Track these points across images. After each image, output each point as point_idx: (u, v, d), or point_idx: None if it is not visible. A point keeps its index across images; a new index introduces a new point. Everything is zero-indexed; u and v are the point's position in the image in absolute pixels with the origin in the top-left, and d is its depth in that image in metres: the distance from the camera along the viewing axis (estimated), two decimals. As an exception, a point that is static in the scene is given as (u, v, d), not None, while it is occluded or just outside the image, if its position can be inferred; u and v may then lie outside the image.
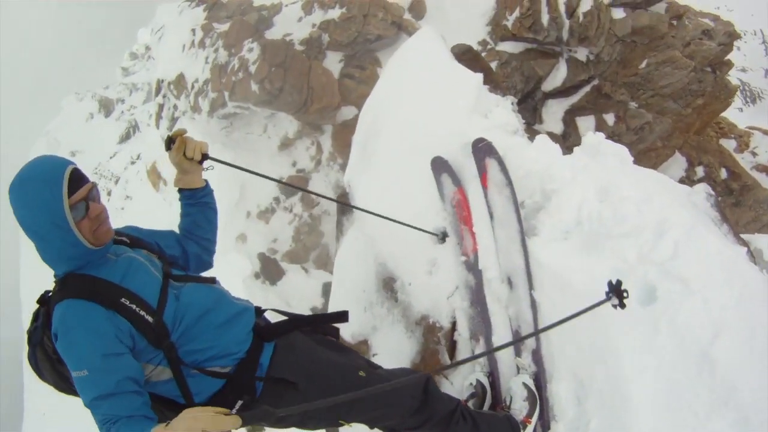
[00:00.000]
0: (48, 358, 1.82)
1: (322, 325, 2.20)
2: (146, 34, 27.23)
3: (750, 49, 18.99)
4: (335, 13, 12.44)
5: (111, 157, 23.40)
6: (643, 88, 10.87)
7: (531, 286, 2.63)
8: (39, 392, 26.44)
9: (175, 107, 14.65)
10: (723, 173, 12.41)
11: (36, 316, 1.88)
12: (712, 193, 2.95)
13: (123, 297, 1.70)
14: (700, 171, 12.43)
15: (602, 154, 2.90)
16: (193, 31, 13.99)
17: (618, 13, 9.63)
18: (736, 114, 17.25)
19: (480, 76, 3.35)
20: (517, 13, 10.10)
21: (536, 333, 2.53)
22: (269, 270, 10.78)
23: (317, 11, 12.85)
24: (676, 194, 2.90)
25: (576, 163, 2.91)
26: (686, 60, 9.91)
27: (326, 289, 11.11)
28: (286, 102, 12.06)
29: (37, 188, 1.60)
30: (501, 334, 2.78)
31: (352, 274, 3.87)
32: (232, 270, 10.30)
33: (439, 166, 3.11)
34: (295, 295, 10.20)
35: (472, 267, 2.91)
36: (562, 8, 9.90)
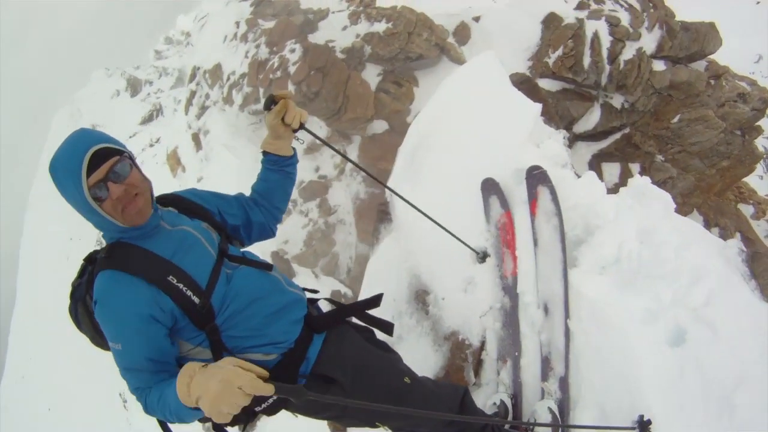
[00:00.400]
0: (88, 313, 1.85)
1: (371, 318, 2.20)
2: (185, 21, 27.89)
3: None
4: (381, 27, 12.72)
5: (130, 137, 23.77)
6: (671, 142, 11.06)
7: (567, 315, 2.78)
8: (22, 355, 26.59)
9: (207, 96, 14.96)
10: (737, 237, 12.55)
11: (82, 272, 1.90)
12: (744, 249, 3.11)
13: (171, 274, 1.67)
14: (715, 232, 12.57)
15: (647, 197, 3.06)
16: (237, 24, 14.33)
17: (659, 66, 9.84)
18: (756, 181, 17.37)
19: (539, 106, 3.56)
20: (560, 52, 10.32)
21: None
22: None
23: (363, 22, 13.15)
24: (711, 245, 3.06)
25: (621, 203, 3.08)
26: (718, 121, 10.10)
27: (334, 297, 11.23)
28: (320, 107, 12.29)
29: (62, 176, 1.60)
30: (530, 358, 2.92)
31: (383, 282, 4.02)
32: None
33: (490, 187, 3.29)
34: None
35: (510, 289, 3.07)
36: (604, 53, 10.12)
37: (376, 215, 4.51)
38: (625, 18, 9.91)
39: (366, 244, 13.51)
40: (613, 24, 9.91)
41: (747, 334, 2.51)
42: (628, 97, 10.54)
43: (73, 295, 1.90)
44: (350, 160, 2.54)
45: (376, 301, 2.16)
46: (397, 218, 4.06)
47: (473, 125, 3.78)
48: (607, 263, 2.90)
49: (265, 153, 2.13)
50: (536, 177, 3.05)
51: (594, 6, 10.39)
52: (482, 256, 3.28)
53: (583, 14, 10.36)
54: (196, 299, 1.69)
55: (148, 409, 1.66)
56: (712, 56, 10.13)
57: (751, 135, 10.00)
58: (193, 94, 15.41)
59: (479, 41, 12.69)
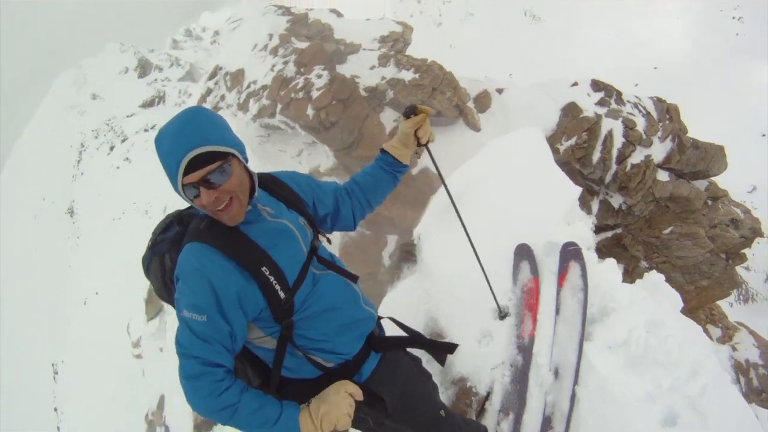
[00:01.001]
0: (162, 269, 1.94)
1: (434, 350, 2.33)
2: (209, 19, 28.62)
3: (761, 250, 20.43)
4: (407, 76, 13.35)
5: (128, 116, 23.95)
6: (659, 251, 11.74)
7: (576, 381, 3.16)
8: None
9: (223, 97, 15.34)
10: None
11: (167, 226, 1.97)
12: (733, 356, 3.58)
13: (264, 265, 1.75)
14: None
15: (660, 292, 3.52)
16: (270, 36, 14.90)
17: (663, 176, 10.59)
18: (726, 307, 18.28)
19: (580, 189, 4.04)
20: (573, 141, 11.02)
21: None
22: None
23: (391, 67, 13.79)
24: (708, 346, 3.50)
25: (635, 292, 3.52)
26: (707, 241, 10.84)
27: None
28: (333, 137, 12.75)
29: (162, 159, 1.68)
30: (533, 415, 3.26)
31: (398, 318, 4.35)
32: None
33: (523, 252, 3.71)
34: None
35: (525, 349, 3.44)
36: (614, 152, 10.85)
37: (400, 254, 4.87)
38: (641, 123, 10.71)
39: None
40: (629, 127, 10.69)
41: (732, 426, 2.93)
42: (627, 200, 11.24)
43: (152, 248, 1.95)
44: (451, 198, 2.90)
45: (450, 348, 2.31)
46: (423, 261, 4.43)
47: (512, 193, 4.22)
48: (616, 344, 3.31)
49: (383, 152, 2.29)
50: (570, 253, 3.49)
51: (614, 106, 11.21)
52: (503, 315, 3.65)
53: (602, 111, 11.15)
54: (282, 294, 1.77)
55: (212, 398, 1.68)
56: (714, 178, 10.95)
57: (734, 261, 10.74)
58: (209, 91, 15.79)
59: (498, 113, 13.44)
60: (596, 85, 11.54)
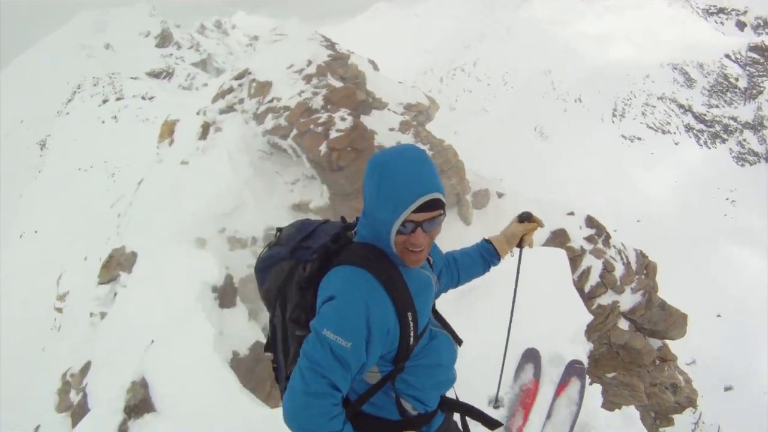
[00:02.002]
0: (290, 274, 1.98)
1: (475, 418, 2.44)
2: (242, 19, 29.48)
3: (683, 420, 21.58)
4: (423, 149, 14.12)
5: (132, 78, 24.10)
6: (595, 390, 12.53)
7: (550, 479, 3.70)
8: None
9: (241, 101, 15.81)
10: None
11: (310, 234, 2.05)
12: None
13: (410, 311, 1.84)
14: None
15: (633, 426, 4.14)
16: (309, 63, 15.62)
17: (624, 324, 11.49)
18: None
19: (591, 318, 4.69)
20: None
21: None
22: (227, 292, 11.09)
23: (410, 136, 14.63)
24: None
25: (613, 420, 4.13)
26: (644, 396, 11.66)
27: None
28: (336, 180, 13.28)
29: (394, 186, 1.73)
30: (502, 499, 3.78)
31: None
32: (195, 266, 10.73)
33: (531, 356, 4.29)
34: (232, 333, 10.47)
35: (511, 439, 3.97)
36: (587, 288, 11.72)
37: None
38: (619, 270, 11.68)
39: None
40: (608, 270, 11.63)
41: None
42: (584, 333, 12.08)
43: (293, 251, 2.01)
44: (514, 297, 3.42)
45: (492, 424, 2.37)
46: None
47: (529, 301, 4.83)
48: (589, 458, 3.89)
49: (486, 242, 2.57)
50: (575, 369, 4.09)
51: (600, 246, 12.20)
52: (497, 404, 4.18)
53: (588, 247, 12.11)
54: (411, 340, 1.88)
55: (324, 418, 1.68)
56: (668, 341, 11.91)
57: (662, 422, 11.55)
58: (230, 89, 16.22)
59: (492, 214, 14.36)
60: (590, 222, 12.56)
